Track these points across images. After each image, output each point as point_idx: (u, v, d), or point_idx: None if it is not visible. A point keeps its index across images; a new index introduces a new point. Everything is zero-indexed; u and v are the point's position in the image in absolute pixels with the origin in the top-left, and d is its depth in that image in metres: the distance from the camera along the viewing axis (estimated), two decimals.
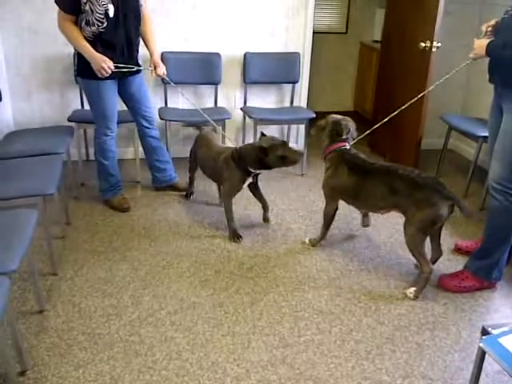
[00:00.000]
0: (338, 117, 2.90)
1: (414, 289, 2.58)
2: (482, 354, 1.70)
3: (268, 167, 2.91)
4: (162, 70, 3.26)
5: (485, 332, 1.72)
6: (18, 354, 2.00)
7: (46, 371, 2.02)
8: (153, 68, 3.25)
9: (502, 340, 1.65)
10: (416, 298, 2.57)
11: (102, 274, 2.69)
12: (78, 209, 3.38)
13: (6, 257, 1.88)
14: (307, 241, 3.04)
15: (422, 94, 3.23)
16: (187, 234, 3.13)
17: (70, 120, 3.65)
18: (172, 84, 3.39)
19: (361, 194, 2.71)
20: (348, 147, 2.82)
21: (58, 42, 3.78)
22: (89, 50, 2.92)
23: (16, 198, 2.45)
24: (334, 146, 2.83)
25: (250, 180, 3.03)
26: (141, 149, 3.76)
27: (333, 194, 2.87)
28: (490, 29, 2.49)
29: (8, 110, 3.90)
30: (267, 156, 2.83)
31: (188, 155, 3.48)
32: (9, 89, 3.88)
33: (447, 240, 3.10)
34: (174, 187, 3.64)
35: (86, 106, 3.84)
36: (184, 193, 3.61)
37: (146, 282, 2.64)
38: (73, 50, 3.66)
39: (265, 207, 3.23)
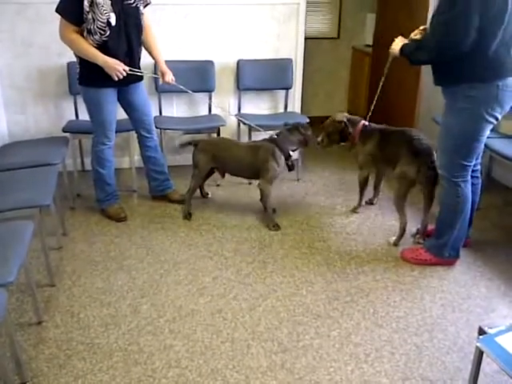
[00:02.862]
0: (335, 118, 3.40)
1: (394, 238, 3.10)
2: (479, 354, 1.70)
3: (304, 144, 3.38)
4: (169, 76, 3.27)
5: (482, 332, 1.73)
6: (17, 366, 2.00)
7: (45, 382, 2.02)
8: (160, 76, 3.27)
9: (498, 339, 1.66)
10: (396, 245, 3.06)
11: (100, 283, 2.69)
12: (74, 219, 3.38)
13: (4, 269, 1.88)
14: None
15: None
16: (184, 241, 3.13)
17: (64, 131, 3.65)
18: (190, 92, 3.38)
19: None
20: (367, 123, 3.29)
21: (51, 54, 3.81)
22: (101, 57, 2.93)
23: (12, 210, 2.46)
24: (357, 129, 3.29)
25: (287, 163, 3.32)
26: (137, 158, 3.78)
27: (367, 161, 3.33)
28: (418, 36, 2.61)
29: (3, 122, 3.91)
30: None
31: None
32: (3, 101, 3.88)
33: (409, 225, 3.13)
34: (167, 198, 3.64)
35: (81, 117, 3.87)
36: (177, 204, 3.56)
37: (143, 290, 2.64)
38: (66, 61, 3.71)
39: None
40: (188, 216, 3.41)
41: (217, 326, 2.37)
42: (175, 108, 4.22)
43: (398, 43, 2.64)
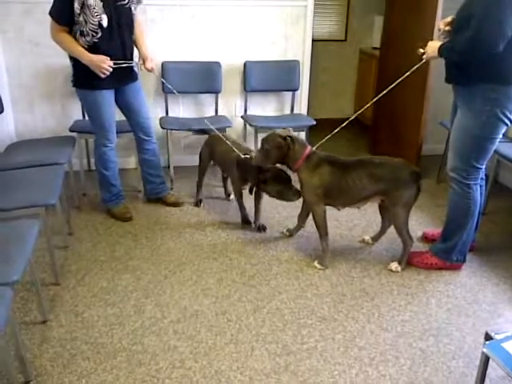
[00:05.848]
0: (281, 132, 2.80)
1: (396, 264, 2.86)
2: (485, 360, 1.69)
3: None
4: (150, 64, 3.18)
5: (488, 337, 1.72)
6: (21, 365, 2.00)
7: (49, 381, 2.02)
8: (141, 62, 3.18)
9: (505, 345, 1.64)
10: (403, 269, 2.85)
11: (105, 283, 2.69)
12: (79, 219, 3.39)
13: (9, 267, 1.88)
14: (316, 264, 2.89)
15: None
16: (189, 242, 3.13)
17: (71, 130, 3.66)
18: (176, 93, 3.39)
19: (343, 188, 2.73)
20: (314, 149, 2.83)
21: (59, 53, 3.77)
22: (86, 55, 2.93)
23: (18, 209, 2.46)
24: (304, 154, 2.74)
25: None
26: None
27: (317, 195, 2.78)
28: (447, 28, 2.56)
29: (10, 121, 3.92)
30: (266, 184, 2.97)
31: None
32: (10, 100, 3.90)
33: (415, 228, 3.18)
34: (163, 201, 3.62)
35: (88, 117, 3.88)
36: (173, 207, 3.57)
37: (148, 290, 2.64)
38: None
39: (257, 215, 3.29)
40: (198, 203, 3.58)
41: (221, 327, 2.37)
42: (181, 108, 4.22)
43: (432, 45, 2.52)
